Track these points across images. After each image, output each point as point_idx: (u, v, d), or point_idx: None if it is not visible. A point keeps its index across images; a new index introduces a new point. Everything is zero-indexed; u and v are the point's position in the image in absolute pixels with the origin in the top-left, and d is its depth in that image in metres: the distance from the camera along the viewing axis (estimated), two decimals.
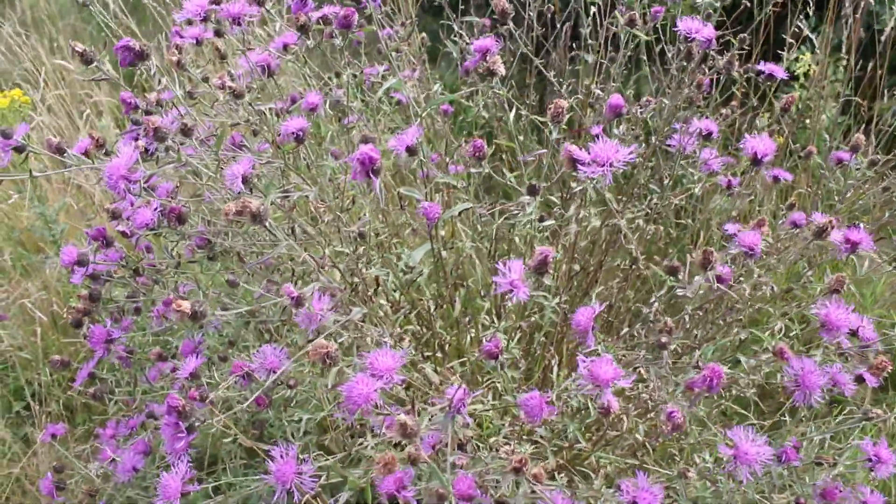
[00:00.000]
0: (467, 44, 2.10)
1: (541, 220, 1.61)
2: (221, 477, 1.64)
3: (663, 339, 1.29)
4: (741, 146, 1.55)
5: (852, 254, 1.43)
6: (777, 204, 2.50)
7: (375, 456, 0.98)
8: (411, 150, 1.43)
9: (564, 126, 1.45)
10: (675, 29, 1.60)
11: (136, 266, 1.80)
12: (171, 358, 1.79)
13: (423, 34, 2.43)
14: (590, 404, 1.28)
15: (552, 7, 2.27)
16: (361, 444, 1.52)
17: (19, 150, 1.46)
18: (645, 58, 2.25)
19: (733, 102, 2.18)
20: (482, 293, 2.03)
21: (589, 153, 1.28)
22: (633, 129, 1.83)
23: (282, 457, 1.25)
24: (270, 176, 1.67)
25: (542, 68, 1.98)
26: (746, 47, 1.84)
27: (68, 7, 4.59)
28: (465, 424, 1.14)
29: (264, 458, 1.31)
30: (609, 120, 1.66)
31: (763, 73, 1.76)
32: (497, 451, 1.27)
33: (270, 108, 1.79)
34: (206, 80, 1.85)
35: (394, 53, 1.98)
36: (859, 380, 1.49)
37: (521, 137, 1.84)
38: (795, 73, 2.92)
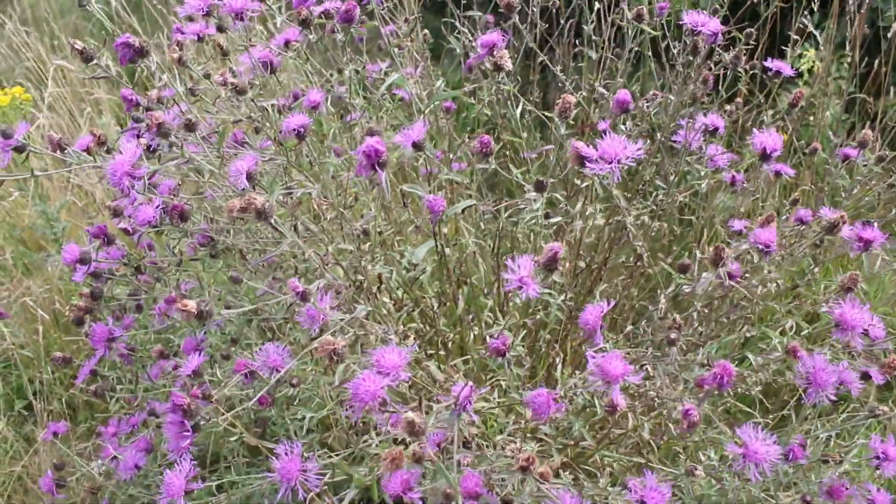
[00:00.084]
0: (470, 41, 2.09)
1: (547, 216, 1.60)
2: (224, 475, 1.63)
3: (672, 336, 1.28)
4: (750, 141, 1.54)
5: (865, 251, 1.42)
6: (780, 201, 2.49)
7: (381, 452, 0.97)
8: (417, 146, 1.42)
9: (572, 122, 1.44)
10: (682, 22, 1.59)
11: (138, 264, 1.80)
12: (173, 356, 1.78)
13: (426, 31, 2.42)
14: (596, 402, 1.27)
15: (556, 2, 2.25)
16: (365, 441, 1.51)
17: (20, 149, 1.45)
18: (650, 53, 2.24)
19: (738, 99, 2.17)
20: (485, 291, 2.02)
21: (596, 150, 1.27)
22: (638, 125, 1.82)
23: (286, 454, 1.24)
24: (273, 173, 1.66)
25: (549, 62, 1.97)
26: (753, 42, 1.83)
27: (69, 6, 4.58)
28: (472, 422, 1.13)
29: (268, 455, 1.30)
30: (616, 116, 1.65)
31: (770, 69, 1.75)
32: (503, 448, 1.26)
33: (273, 105, 1.78)
34: (207, 76, 1.84)
35: (396, 50, 1.97)
36: (865, 377, 1.48)
37: (525, 135, 1.83)
38: (800, 70, 2.92)
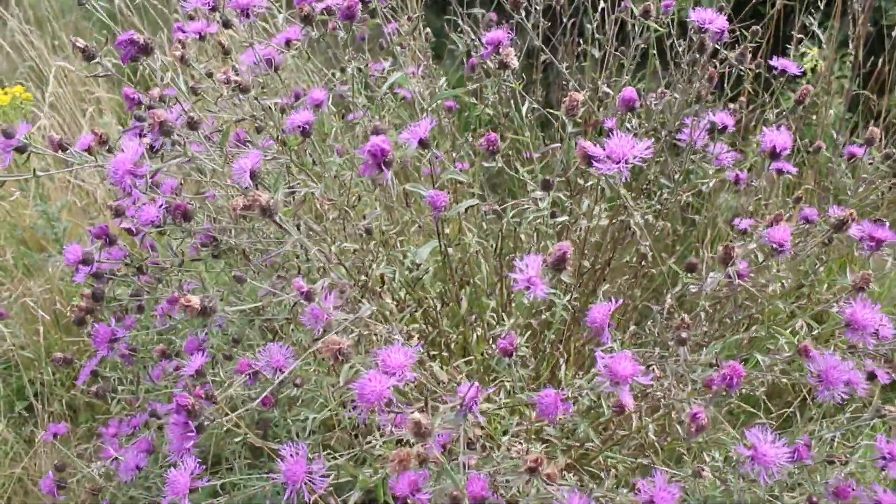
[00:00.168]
0: (473, 40, 2.08)
1: (552, 216, 1.59)
2: (225, 477, 1.62)
3: (682, 335, 1.27)
4: (754, 140, 1.53)
5: (876, 251, 1.41)
6: (783, 199, 2.48)
7: (388, 454, 0.96)
8: (424, 143, 1.41)
9: (579, 120, 1.43)
10: (688, 19, 1.58)
11: (140, 264, 1.78)
12: (175, 356, 1.77)
13: (428, 29, 2.41)
14: (602, 402, 1.26)
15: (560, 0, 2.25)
16: (369, 442, 1.50)
17: (21, 149, 1.44)
18: (654, 51, 2.23)
19: (742, 98, 2.16)
20: (488, 291, 2.01)
21: (603, 149, 1.25)
22: (643, 124, 1.81)
23: (292, 456, 1.23)
24: (276, 172, 1.65)
25: (554, 59, 1.96)
26: (759, 40, 1.82)
27: (70, 5, 4.57)
28: (477, 423, 1.12)
29: (271, 457, 1.29)
30: (622, 114, 1.64)
31: (776, 68, 1.74)
32: (508, 450, 1.25)
33: (275, 104, 1.77)
34: (209, 75, 1.83)
35: (398, 48, 1.96)
36: (871, 377, 1.47)
37: (528, 134, 1.82)
38: (803, 69, 2.91)
